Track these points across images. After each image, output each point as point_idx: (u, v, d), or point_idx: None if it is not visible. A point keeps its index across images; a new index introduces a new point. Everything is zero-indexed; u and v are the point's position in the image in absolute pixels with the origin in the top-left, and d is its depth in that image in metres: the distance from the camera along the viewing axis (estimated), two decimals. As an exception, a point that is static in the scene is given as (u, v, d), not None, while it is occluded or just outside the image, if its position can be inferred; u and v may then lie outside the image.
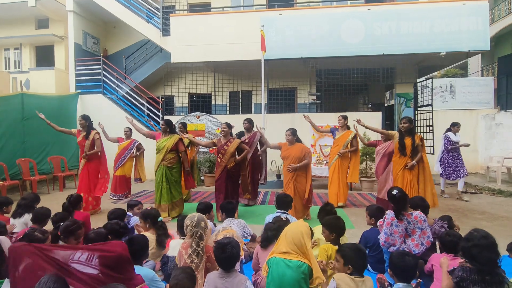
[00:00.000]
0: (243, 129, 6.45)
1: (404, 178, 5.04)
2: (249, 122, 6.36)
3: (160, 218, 3.37)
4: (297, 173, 5.01)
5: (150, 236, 3.21)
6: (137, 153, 7.06)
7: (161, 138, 5.40)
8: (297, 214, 4.93)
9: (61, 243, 2.81)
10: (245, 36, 9.36)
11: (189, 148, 6.84)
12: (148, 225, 3.35)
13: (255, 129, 6.28)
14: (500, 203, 6.33)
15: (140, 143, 7.12)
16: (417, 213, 2.97)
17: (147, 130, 5.98)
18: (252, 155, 6.18)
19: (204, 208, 3.71)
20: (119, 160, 6.94)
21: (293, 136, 5.13)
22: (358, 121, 5.59)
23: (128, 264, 2.09)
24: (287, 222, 3.04)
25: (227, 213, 3.81)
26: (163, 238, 3.24)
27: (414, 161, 4.94)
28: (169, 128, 5.38)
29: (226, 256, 2.23)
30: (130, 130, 7.09)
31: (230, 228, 3.37)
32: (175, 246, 2.88)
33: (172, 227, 3.86)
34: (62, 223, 2.93)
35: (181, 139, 5.42)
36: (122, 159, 6.92)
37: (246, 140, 6.22)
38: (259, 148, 6.41)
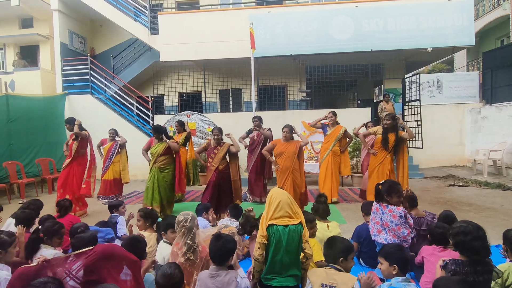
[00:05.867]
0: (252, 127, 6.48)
1: (379, 171, 5.22)
2: (259, 119, 6.42)
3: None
4: (294, 168, 5.04)
5: (148, 235, 3.34)
6: (119, 148, 6.89)
7: (155, 143, 5.45)
8: None
9: (42, 246, 2.74)
10: (234, 34, 9.32)
11: (187, 146, 6.79)
12: (147, 224, 3.48)
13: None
14: (486, 195, 6.48)
15: (121, 141, 6.93)
16: (392, 208, 2.87)
17: (145, 147, 5.69)
18: (261, 152, 6.18)
19: (204, 208, 3.85)
20: (105, 163, 6.85)
21: (291, 133, 5.19)
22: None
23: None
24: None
25: (231, 215, 3.90)
26: None
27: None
28: (161, 134, 5.36)
29: (219, 246, 2.24)
30: (115, 131, 6.98)
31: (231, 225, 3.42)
32: (164, 248, 2.89)
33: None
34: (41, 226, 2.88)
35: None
36: (108, 161, 6.83)
37: (255, 137, 6.33)
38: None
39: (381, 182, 3.03)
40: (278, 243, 2.34)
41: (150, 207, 5.07)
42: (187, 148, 6.79)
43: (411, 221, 2.85)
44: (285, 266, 2.37)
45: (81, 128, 5.65)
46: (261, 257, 2.39)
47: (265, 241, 2.39)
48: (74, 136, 5.62)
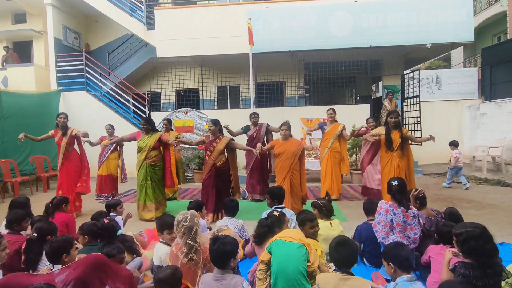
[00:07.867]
0: (249, 123, 6.46)
1: (391, 172, 5.12)
2: (258, 116, 6.41)
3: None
4: (293, 168, 4.86)
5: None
6: (118, 148, 6.78)
7: (142, 137, 5.23)
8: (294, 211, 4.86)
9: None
10: (232, 30, 9.19)
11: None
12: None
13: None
14: (486, 192, 6.46)
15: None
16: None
17: (125, 135, 5.61)
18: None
19: (195, 206, 3.60)
20: (100, 158, 6.73)
21: (289, 130, 5.05)
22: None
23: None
24: (280, 216, 2.91)
25: (227, 211, 3.72)
26: (132, 247, 3.06)
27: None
28: (151, 126, 5.24)
29: (219, 249, 2.15)
30: (112, 127, 6.86)
31: (227, 228, 3.29)
32: (160, 249, 2.80)
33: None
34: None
35: (163, 135, 5.33)
36: (103, 156, 6.70)
37: (254, 135, 6.23)
38: (265, 141, 6.30)
39: (392, 178, 2.96)
40: (279, 249, 2.28)
41: (144, 206, 5.14)
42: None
43: (421, 221, 2.79)
44: (290, 280, 2.22)
45: (67, 126, 5.54)
46: (260, 274, 2.34)
47: (265, 259, 2.32)
48: (62, 132, 5.46)
